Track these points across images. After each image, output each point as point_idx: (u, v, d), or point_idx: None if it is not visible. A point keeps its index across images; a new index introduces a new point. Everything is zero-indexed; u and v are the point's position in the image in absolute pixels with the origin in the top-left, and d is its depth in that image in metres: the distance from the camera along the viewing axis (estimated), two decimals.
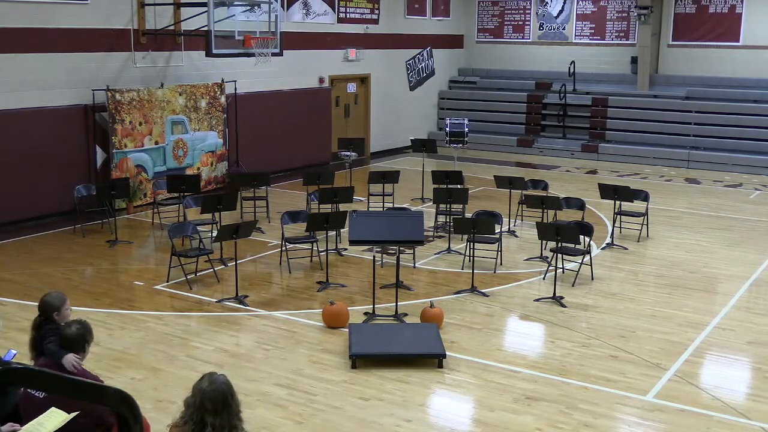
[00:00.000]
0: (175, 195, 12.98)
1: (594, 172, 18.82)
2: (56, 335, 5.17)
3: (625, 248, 12.07)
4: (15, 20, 12.59)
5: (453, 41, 23.27)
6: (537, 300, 9.71)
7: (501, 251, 11.07)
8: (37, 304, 5.81)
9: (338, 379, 7.41)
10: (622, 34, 21.61)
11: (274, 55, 14.56)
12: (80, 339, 4.99)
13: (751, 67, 20.00)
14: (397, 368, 7.61)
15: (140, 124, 14.13)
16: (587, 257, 10.62)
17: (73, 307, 8.90)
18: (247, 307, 9.29)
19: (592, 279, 10.52)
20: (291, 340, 8.38)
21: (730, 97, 19.99)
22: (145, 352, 8.00)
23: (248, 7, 14.67)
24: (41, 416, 3.72)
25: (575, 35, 22.22)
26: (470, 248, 10.22)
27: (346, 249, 11.48)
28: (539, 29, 22.72)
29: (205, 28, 13.71)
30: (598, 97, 21.28)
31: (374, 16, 20.09)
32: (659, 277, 10.86)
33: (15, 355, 5.69)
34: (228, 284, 9.94)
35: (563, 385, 7.37)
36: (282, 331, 8.66)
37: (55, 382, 2.43)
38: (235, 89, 16.01)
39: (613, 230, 12.56)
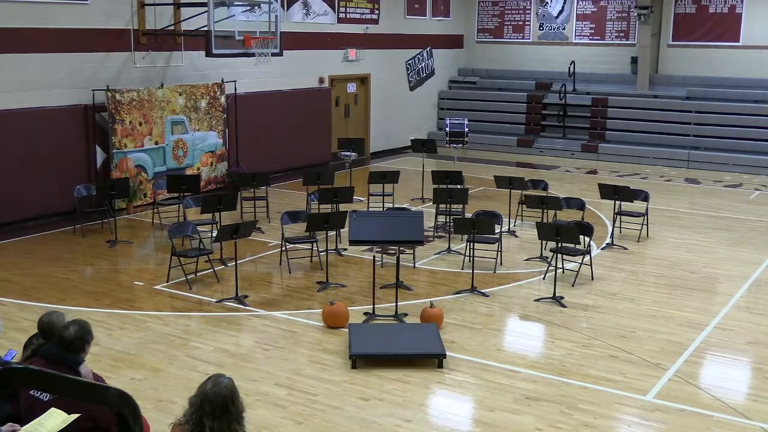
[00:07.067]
0: (175, 195, 12.98)
1: (594, 172, 18.82)
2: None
3: (625, 248, 12.07)
4: (15, 20, 12.59)
5: (453, 41, 23.27)
6: (537, 300, 9.71)
7: (501, 251, 11.07)
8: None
9: (338, 379, 7.41)
10: (622, 34, 21.61)
11: (274, 55, 14.56)
12: (80, 340, 4.96)
13: (751, 67, 20.00)
14: (397, 368, 7.61)
15: (140, 124, 14.12)
16: (587, 257, 10.62)
17: (73, 307, 8.94)
18: (247, 307, 9.29)
19: (592, 279, 10.52)
20: (291, 340, 8.38)
21: (730, 97, 19.99)
22: (145, 352, 8.00)
23: (248, 7, 14.67)
24: (41, 417, 3.72)
25: (575, 35, 22.22)
26: (470, 248, 10.21)
27: (346, 249, 11.47)
28: (539, 29, 22.71)
29: (205, 28, 13.71)
30: (598, 97, 21.27)
31: (374, 16, 20.09)
32: (659, 277, 10.86)
33: (15, 354, 5.69)
34: (228, 284, 9.94)
35: (563, 385, 7.37)
36: (282, 331, 8.66)
37: (55, 383, 2.43)
38: (235, 89, 16.00)
39: (613, 230, 12.56)
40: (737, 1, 20.07)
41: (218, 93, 15.63)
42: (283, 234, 11.00)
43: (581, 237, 10.27)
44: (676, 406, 7.00)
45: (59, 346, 4.97)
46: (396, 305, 8.96)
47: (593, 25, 21.97)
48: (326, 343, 8.27)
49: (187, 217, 12.33)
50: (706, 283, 10.63)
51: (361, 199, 14.18)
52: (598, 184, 13.26)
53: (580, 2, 22.04)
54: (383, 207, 13.18)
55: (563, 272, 10.45)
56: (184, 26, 14.76)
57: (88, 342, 5.03)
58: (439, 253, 11.65)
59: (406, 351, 7.92)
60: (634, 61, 21.22)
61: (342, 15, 19.15)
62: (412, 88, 21.98)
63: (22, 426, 4.30)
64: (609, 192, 12.71)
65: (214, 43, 13.61)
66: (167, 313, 9.15)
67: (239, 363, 7.75)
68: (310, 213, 11.35)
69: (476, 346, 8.28)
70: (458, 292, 9.90)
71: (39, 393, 4.53)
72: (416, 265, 11.03)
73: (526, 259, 11.43)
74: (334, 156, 17.82)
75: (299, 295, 9.90)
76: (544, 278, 10.52)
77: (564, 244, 10.13)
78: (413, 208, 13.49)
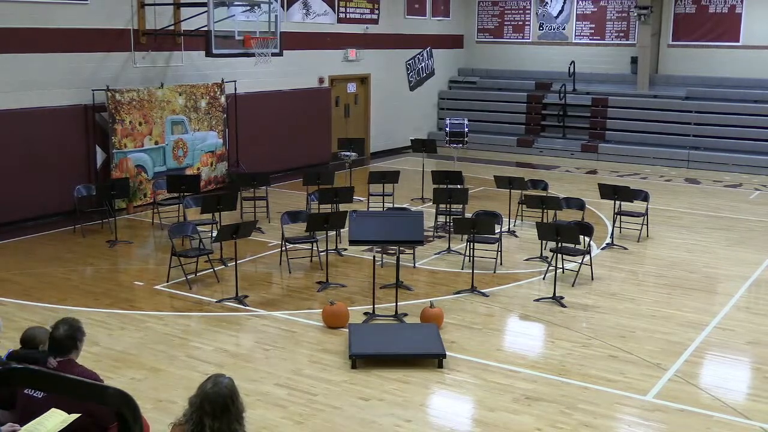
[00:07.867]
0: (175, 195, 12.99)
1: (594, 172, 18.82)
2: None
3: (625, 248, 12.07)
4: (15, 20, 12.59)
5: (453, 41, 23.27)
6: (537, 300, 9.71)
7: (501, 251, 11.07)
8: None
9: (338, 379, 7.41)
10: (622, 34, 21.61)
11: (274, 55, 14.56)
12: (69, 340, 4.93)
13: (751, 67, 19.99)
14: (397, 368, 7.61)
15: (140, 124, 14.12)
16: (587, 257, 10.62)
17: (73, 307, 8.94)
18: (247, 307, 9.29)
19: (592, 279, 10.52)
20: (291, 340, 8.38)
21: (730, 97, 19.98)
22: (145, 352, 8.00)
23: (248, 7, 14.67)
24: (41, 416, 3.71)
25: (575, 35, 22.22)
26: (470, 248, 10.21)
27: (346, 249, 11.47)
28: (539, 29, 22.71)
29: (205, 28, 13.71)
30: (598, 97, 21.27)
31: (374, 16, 20.09)
32: (659, 277, 10.86)
33: None
34: (228, 284, 9.94)
35: (563, 385, 7.37)
36: (282, 331, 8.66)
37: (55, 382, 2.44)
38: (235, 89, 16.00)
39: (613, 230, 12.55)
40: (737, 1, 20.07)
41: (218, 93, 15.63)
42: (283, 234, 11.00)
43: (581, 237, 10.27)
44: (676, 406, 7.00)
45: (50, 347, 4.96)
46: (396, 305, 8.96)
47: (593, 25, 21.97)
48: (326, 343, 8.27)
49: (187, 217, 12.33)
50: (706, 283, 10.63)
51: (361, 199, 14.17)
52: (598, 184, 13.26)
53: (580, 2, 22.04)
54: (383, 207, 13.18)
55: (563, 272, 10.45)
56: (184, 26, 14.76)
57: (79, 339, 5.00)
58: (439, 253, 11.65)
59: (406, 351, 7.92)
60: (634, 61, 21.22)
61: (342, 15, 19.14)
62: (412, 88, 21.98)
63: (21, 426, 4.30)
64: (609, 192, 12.71)
65: (214, 43, 13.62)
66: (167, 313, 9.15)
67: (239, 363, 7.75)
68: (310, 213, 11.35)
69: (476, 346, 8.28)
70: (458, 292, 9.89)
71: (33, 391, 4.52)
72: (416, 265, 11.02)
73: (526, 259, 11.43)
74: (334, 156, 17.82)
75: (299, 295, 9.90)
76: (544, 278, 10.52)
77: (564, 244, 10.13)
78: (413, 208, 13.49)
